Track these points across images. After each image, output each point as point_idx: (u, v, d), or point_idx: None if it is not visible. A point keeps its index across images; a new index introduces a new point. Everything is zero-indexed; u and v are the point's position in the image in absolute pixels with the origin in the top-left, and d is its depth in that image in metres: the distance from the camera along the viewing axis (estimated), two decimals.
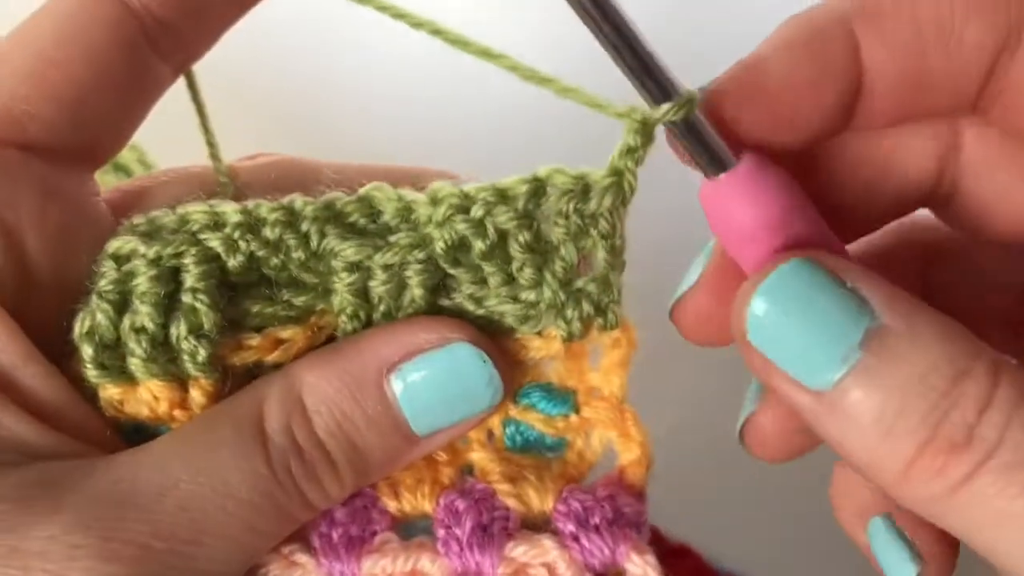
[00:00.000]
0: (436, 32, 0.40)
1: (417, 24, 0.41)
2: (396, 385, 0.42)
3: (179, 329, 0.42)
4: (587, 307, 0.43)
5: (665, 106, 0.38)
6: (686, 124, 0.39)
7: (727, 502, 0.78)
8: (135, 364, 0.42)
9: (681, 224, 0.76)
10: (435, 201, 0.42)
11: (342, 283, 0.43)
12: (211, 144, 0.48)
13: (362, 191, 0.43)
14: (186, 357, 0.42)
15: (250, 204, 0.43)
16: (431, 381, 0.42)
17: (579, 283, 0.43)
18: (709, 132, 0.39)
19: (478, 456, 0.46)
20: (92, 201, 0.45)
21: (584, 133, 0.49)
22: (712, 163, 0.39)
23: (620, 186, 0.42)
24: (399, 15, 0.41)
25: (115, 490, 0.39)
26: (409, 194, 0.43)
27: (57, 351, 0.42)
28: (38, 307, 0.42)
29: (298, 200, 0.43)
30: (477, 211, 0.42)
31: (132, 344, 0.42)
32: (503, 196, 0.42)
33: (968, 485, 0.32)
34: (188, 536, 0.39)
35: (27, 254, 0.41)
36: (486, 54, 0.40)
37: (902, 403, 0.33)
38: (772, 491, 0.78)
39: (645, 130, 0.40)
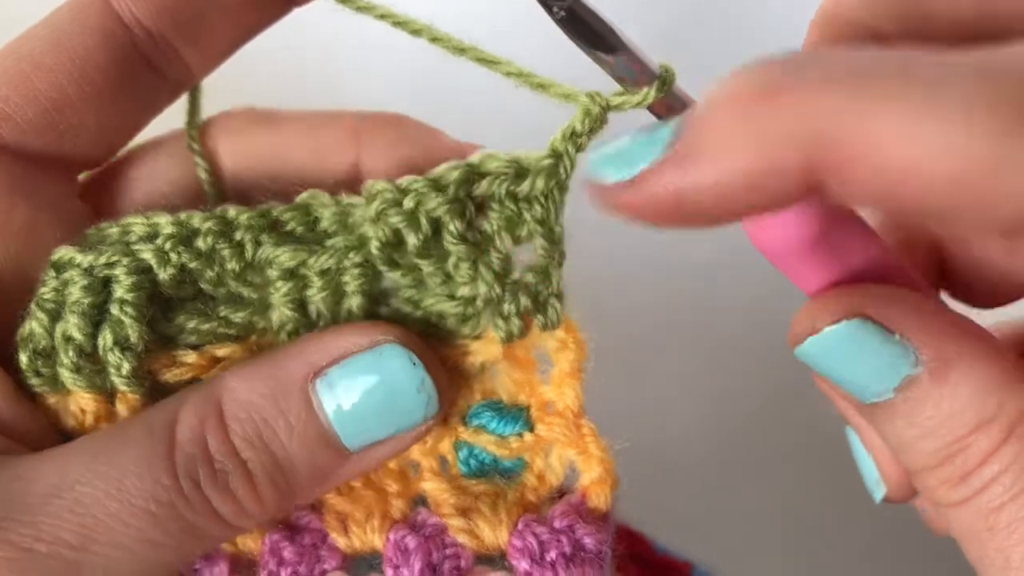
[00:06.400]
0: (435, 39, 0.39)
1: (416, 31, 0.39)
2: (322, 391, 0.39)
3: (104, 340, 0.40)
4: (524, 300, 0.40)
5: (634, 92, 0.37)
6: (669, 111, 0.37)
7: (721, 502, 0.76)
8: (63, 374, 0.41)
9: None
10: (371, 198, 0.40)
11: (279, 293, 0.41)
12: (200, 165, 0.46)
13: (298, 198, 0.42)
14: (111, 369, 0.41)
15: (183, 215, 0.41)
16: (357, 385, 0.39)
17: (516, 275, 0.41)
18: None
19: (430, 486, 0.43)
20: (68, 203, 0.44)
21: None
22: None
23: (556, 169, 0.39)
24: (398, 23, 0.40)
25: (10, 488, 0.37)
26: (346, 198, 0.41)
27: (10, 350, 0.42)
28: None
29: (231, 209, 0.41)
30: (409, 202, 0.39)
31: (61, 353, 0.41)
32: (436, 185, 0.40)
33: (955, 508, 0.37)
34: (75, 541, 0.37)
35: None
36: (482, 59, 0.39)
37: (920, 435, 0.36)
38: (766, 489, 0.77)
39: (599, 116, 0.38)
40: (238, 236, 0.41)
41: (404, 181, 0.40)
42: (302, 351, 0.40)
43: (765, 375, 0.76)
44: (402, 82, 0.72)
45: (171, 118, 0.46)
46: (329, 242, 0.41)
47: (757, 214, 0.34)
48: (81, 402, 0.41)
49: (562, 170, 0.39)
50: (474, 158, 0.40)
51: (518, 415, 0.44)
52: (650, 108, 0.38)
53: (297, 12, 0.44)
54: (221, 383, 0.40)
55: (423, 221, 0.39)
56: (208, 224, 0.41)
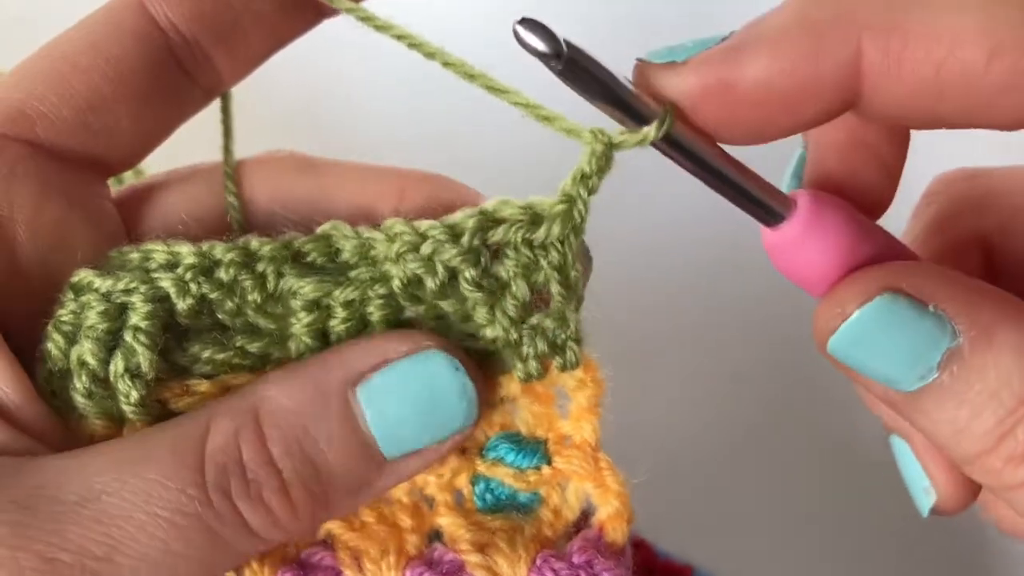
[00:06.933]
0: (447, 64, 0.39)
1: (430, 54, 0.39)
2: (363, 397, 0.39)
3: (115, 367, 0.40)
4: (541, 345, 0.41)
5: (637, 131, 0.37)
6: (675, 147, 0.37)
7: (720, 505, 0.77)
8: (76, 398, 0.41)
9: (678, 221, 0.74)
10: (391, 238, 0.40)
11: (300, 324, 0.41)
12: (228, 175, 0.46)
13: (319, 230, 0.42)
14: (120, 397, 0.40)
15: (205, 245, 0.41)
16: (400, 390, 0.39)
17: (533, 320, 0.41)
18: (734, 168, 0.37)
19: (446, 521, 0.43)
20: (98, 204, 0.44)
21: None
22: (759, 207, 0.38)
23: (570, 214, 0.39)
24: (414, 44, 0.39)
25: (35, 496, 0.36)
26: (367, 231, 0.41)
27: (36, 344, 0.41)
28: (22, 300, 0.41)
29: (254, 240, 0.41)
30: (426, 249, 0.40)
31: (75, 377, 0.40)
32: (452, 233, 0.40)
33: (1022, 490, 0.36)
34: (100, 552, 0.36)
35: (16, 247, 0.41)
36: (491, 87, 0.39)
37: (972, 414, 0.35)
38: (766, 493, 0.77)
39: (604, 155, 0.38)
40: (260, 268, 0.41)
41: (423, 226, 0.40)
42: (342, 357, 0.40)
43: (768, 379, 0.76)
44: (412, 92, 0.71)
45: (198, 126, 0.46)
46: (352, 273, 0.41)
47: (793, 122, 0.35)
48: (91, 427, 0.41)
49: (576, 214, 0.39)
50: (488, 205, 0.40)
51: (536, 448, 0.44)
52: (658, 147, 0.38)
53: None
54: (256, 391, 0.40)
55: (440, 268, 0.40)
56: (231, 255, 0.41)
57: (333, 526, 0.43)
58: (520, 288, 0.40)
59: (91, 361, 0.40)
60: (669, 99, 0.36)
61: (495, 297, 0.40)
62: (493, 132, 0.65)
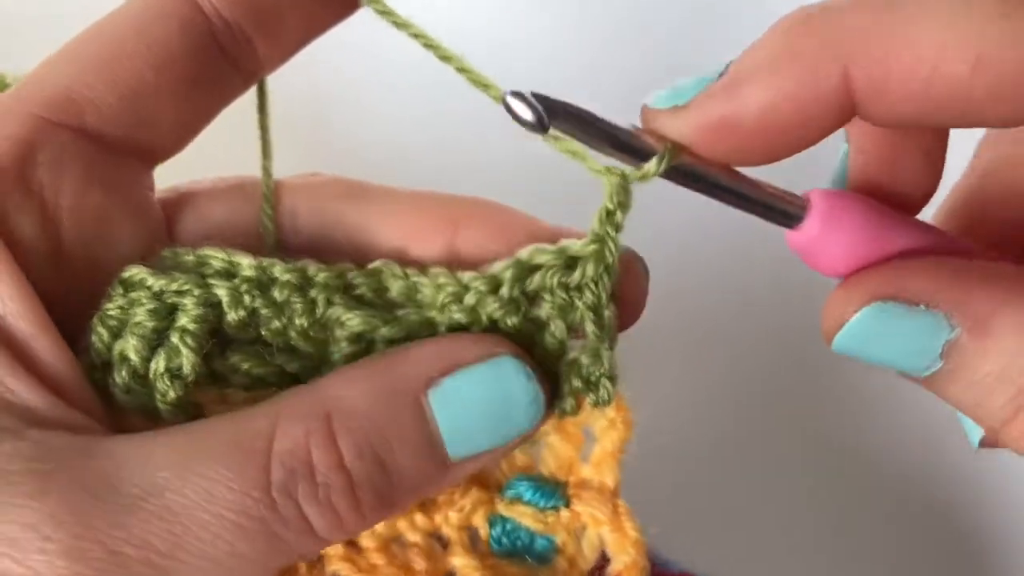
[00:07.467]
0: (461, 70, 0.40)
1: (445, 58, 0.40)
2: (435, 401, 0.38)
3: (157, 365, 0.40)
4: (576, 382, 0.41)
5: (645, 166, 0.38)
6: (686, 175, 0.38)
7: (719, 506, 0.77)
8: (116, 393, 0.40)
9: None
10: (436, 287, 0.41)
11: (341, 353, 0.41)
12: (266, 168, 0.46)
13: (371, 265, 0.42)
14: (158, 395, 0.40)
15: (266, 261, 0.41)
16: (472, 396, 0.39)
17: (570, 356, 0.41)
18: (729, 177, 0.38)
19: (461, 562, 0.43)
20: (142, 194, 0.44)
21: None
22: (775, 213, 0.39)
23: (603, 253, 0.40)
24: (429, 45, 0.40)
25: (100, 483, 0.36)
26: (415, 274, 0.42)
27: (77, 331, 0.41)
28: (66, 286, 0.41)
29: (311, 266, 0.42)
30: (470, 299, 0.40)
31: (116, 372, 0.40)
32: (492, 285, 0.41)
33: None
34: (164, 549, 0.36)
35: (61, 234, 0.41)
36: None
37: (985, 393, 0.36)
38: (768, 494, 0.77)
39: (622, 188, 0.39)
40: (312, 293, 0.41)
41: (466, 278, 0.41)
42: (416, 359, 0.39)
43: (771, 383, 0.76)
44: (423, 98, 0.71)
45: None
46: (400, 313, 0.41)
47: (801, 142, 0.36)
48: (130, 423, 0.40)
49: (608, 254, 0.40)
50: (523, 254, 0.41)
51: (555, 489, 0.44)
52: (666, 178, 0.39)
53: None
54: (325, 391, 0.39)
55: (483, 318, 0.40)
56: (288, 276, 0.41)
57: (340, 568, 0.43)
58: (559, 328, 0.41)
59: (133, 357, 0.40)
60: (674, 141, 0.38)
61: (532, 340, 0.41)
62: (501, 140, 0.63)
